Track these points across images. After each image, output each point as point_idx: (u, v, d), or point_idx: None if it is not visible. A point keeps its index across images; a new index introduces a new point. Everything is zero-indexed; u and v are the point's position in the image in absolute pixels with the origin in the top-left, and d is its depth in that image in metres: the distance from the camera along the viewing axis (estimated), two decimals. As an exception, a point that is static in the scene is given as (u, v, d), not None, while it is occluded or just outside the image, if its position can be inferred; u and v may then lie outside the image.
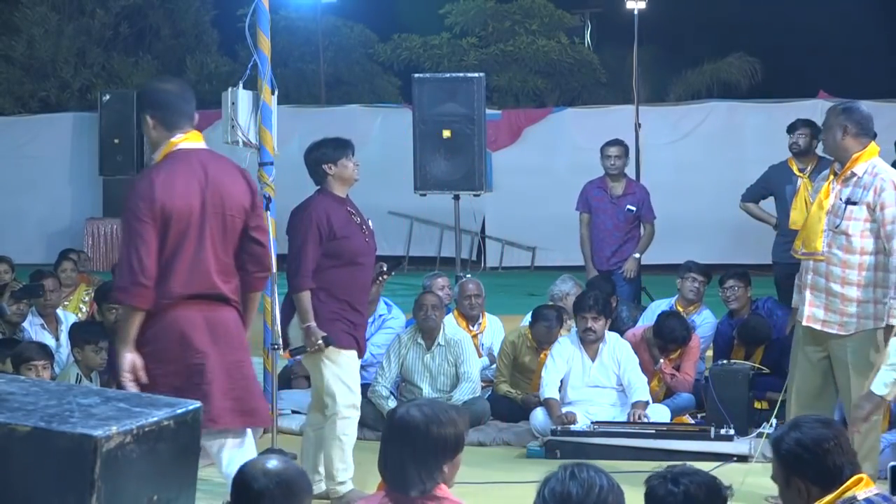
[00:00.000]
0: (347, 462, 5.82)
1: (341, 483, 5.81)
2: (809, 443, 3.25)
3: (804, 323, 5.43)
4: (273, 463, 3.04)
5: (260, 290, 4.92)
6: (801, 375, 5.55)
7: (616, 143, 9.23)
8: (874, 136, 5.50)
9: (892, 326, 5.21)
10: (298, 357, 8.07)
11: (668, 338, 7.61)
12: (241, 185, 4.78)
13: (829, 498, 3.20)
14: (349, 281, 5.83)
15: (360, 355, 6.00)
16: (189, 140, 4.72)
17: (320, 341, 5.73)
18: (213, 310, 4.63)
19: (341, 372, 5.82)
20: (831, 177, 5.45)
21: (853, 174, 5.35)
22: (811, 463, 3.23)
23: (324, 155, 5.95)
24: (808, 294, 5.40)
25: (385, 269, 6.23)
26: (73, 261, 9.68)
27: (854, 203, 5.31)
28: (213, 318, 4.62)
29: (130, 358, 4.51)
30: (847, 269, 5.31)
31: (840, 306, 5.35)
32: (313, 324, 5.75)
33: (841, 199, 5.34)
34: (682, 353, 7.72)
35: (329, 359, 5.82)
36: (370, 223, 6.06)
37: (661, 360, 7.63)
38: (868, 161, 5.37)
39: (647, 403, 7.15)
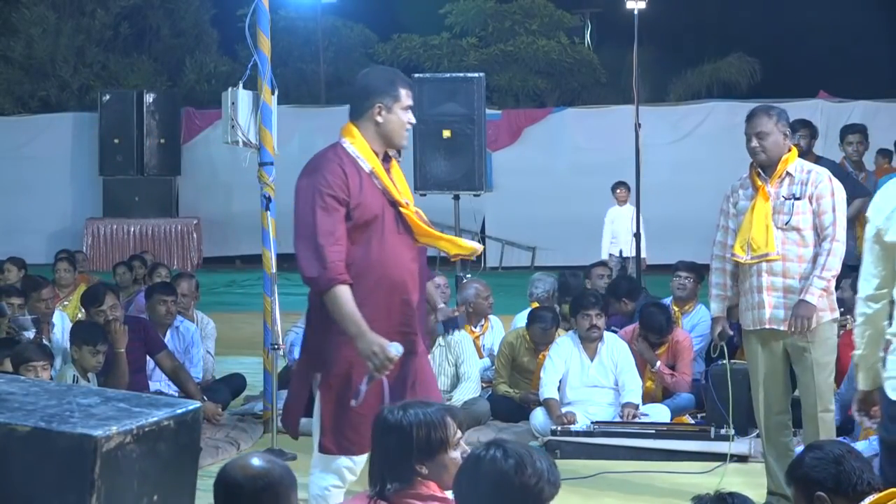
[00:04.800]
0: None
1: None
2: (823, 454, 3.39)
3: (767, 326, 5.47)
4: (257, 462, 3.00)
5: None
6: (769, 379, 5.58)
7: None
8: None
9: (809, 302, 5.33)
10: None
11: (649, 326, 7.60)
12: None
13: None
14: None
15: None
16: None
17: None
18: None
19: None
20: (757, 181, 5.48)
21: (788, 174, 5.47)
22: (830, 473, 3.34)
23: None
24: (765, 297, 5.44)
25: None
26: (66, 261, 9.69)
27: (798, 198, 5.43)
28: None
29: None
30: (802, 264, 5.41)
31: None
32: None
33: (783, 198, 5.42)
34: (670, 349, 7.68)
35: None
36: None
37: (658, 363, 7.62)
38: (796, 161, 5.53)
39: (637, 406, 7.16)
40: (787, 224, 5.42)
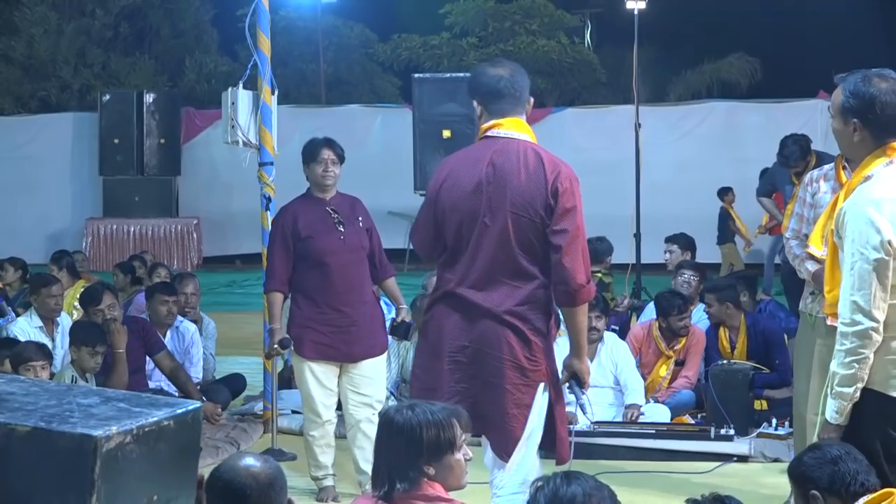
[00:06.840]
0: (318, 461, 5.99)
1: (314, 478, 6.03)
2: (821, 454, 3.42)
3: (830, 322, 5.36)
4: (256, 461, 3.09)
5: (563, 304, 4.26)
6: (822, 370, 5.51)
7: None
8: None
9: None
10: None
11: (668, 309, 7.56)
12: (534, 178, 4.05)
13: None
14: (321, 281, 5.84)
15: (352, 358, 5.92)
16: (501, 127, 4.30)
17: (276, 345, 5.91)
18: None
19: (300, 380, 5.97)
20: (843, 176, 5.36)
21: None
22: (825, 472, 3.37)
23: (302, 158, 6.01)
24: None
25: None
26: (55, 263, 9.79)
27: None
28: None
29: None
30: None
31: None
32: (276, 326, 5.91)
33: None
34: (686, 345, 7.66)
35: (296, 365, 6.02)
36: (361, 221, 5.97)
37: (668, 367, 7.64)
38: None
39: (640, 407, 7.17)
40: None
